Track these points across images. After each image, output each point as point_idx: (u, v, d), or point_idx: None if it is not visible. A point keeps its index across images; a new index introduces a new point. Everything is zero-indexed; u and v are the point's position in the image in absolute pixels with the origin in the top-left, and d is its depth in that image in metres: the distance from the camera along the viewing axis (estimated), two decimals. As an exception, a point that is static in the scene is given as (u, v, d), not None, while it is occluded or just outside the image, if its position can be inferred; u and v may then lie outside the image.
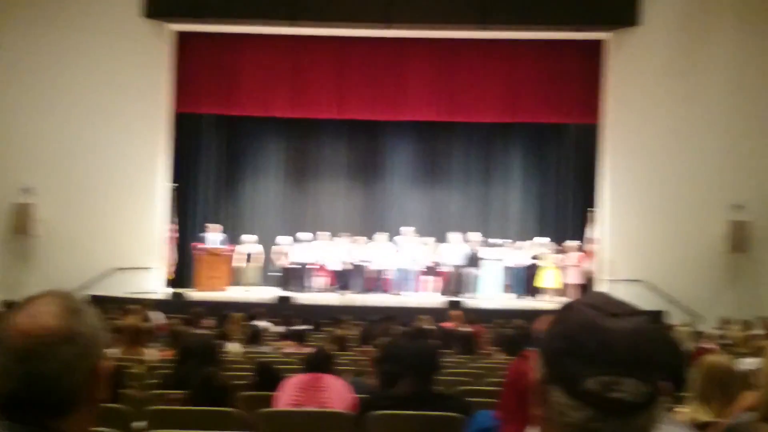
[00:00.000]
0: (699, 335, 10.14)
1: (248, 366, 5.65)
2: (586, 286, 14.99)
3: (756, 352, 6.18)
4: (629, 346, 1.05)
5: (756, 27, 14.77)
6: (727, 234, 14.50)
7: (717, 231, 14.57)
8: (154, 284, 15.22)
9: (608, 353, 1.04)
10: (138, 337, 6.62)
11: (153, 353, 6.59)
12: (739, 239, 14.50)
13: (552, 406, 1.09)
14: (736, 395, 3.18)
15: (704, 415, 3.17)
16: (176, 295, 14.19)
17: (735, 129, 14.69)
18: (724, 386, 3.23)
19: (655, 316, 12.92)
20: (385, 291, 16.16)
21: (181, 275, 16.41)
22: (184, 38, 15.85)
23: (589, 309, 1.10)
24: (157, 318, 10.08)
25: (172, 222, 15.55)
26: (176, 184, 15.81)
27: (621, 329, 1.06)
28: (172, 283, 15.57)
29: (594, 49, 15.71)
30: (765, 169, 14.57)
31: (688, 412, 3.26)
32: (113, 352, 6.33)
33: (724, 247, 14.55)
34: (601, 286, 14.58)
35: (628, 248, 14.96)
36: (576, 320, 1.09)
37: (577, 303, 1.14)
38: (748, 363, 5.83)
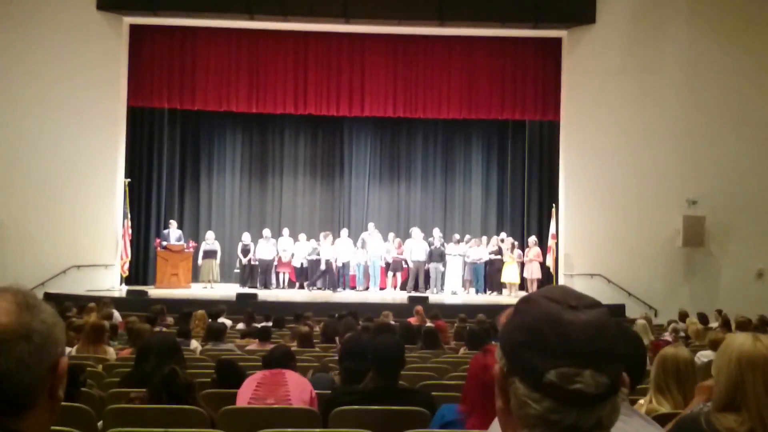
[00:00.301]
0: (656, 328, 10.32)
1: (211, 364, 5.60)
2: (545, 281, 15.14)
3: (712, 345, 6.30)
4: (588, 338, 1.06)
5: (708, 26, 15.04)
6: (682, 229, 14.76)
7: (672, 226, 14.83)
8: (114, 282, 15.01)
9: (567, 345, 1.05)
10: (99, 335, 6.51)
11: (112, 352, 6.50)
12: (694, 234, 14.75)
13: (513, 398, 1.09)
14: (694, 387, 3.23)
15: (662, 407, 3.22)
16: (136, 293, 13.99)
17: (688, 125, 14.95)
18: (682, 378, 3.28)
19: (616, 309, 13.11)
20: (348, 287, 16.14)
21: (143, 272, 16.20)
22: (137, 31, 15.61)
23: (548, 302, 1.10)
24: (114, 316, 9.98)
25: (125, 218, 15.29)
26: (129, 180, 15.56)
27: (580, 321, 1.07)
28: (126, 280, 15.34)
29: (554, 46, 15.85)
30: (718, 165, 14.85)
31: (646, 403, 3.31)
32: (72, 350, 6.23)
33: (679, 241, 14.82)
34: (560, 281, 14.76)
35: (584, 243, 15.15)
36: (535, 313, 1.10)
37: (536, 296, 1.14)
38: (705, 355, 5.95)
